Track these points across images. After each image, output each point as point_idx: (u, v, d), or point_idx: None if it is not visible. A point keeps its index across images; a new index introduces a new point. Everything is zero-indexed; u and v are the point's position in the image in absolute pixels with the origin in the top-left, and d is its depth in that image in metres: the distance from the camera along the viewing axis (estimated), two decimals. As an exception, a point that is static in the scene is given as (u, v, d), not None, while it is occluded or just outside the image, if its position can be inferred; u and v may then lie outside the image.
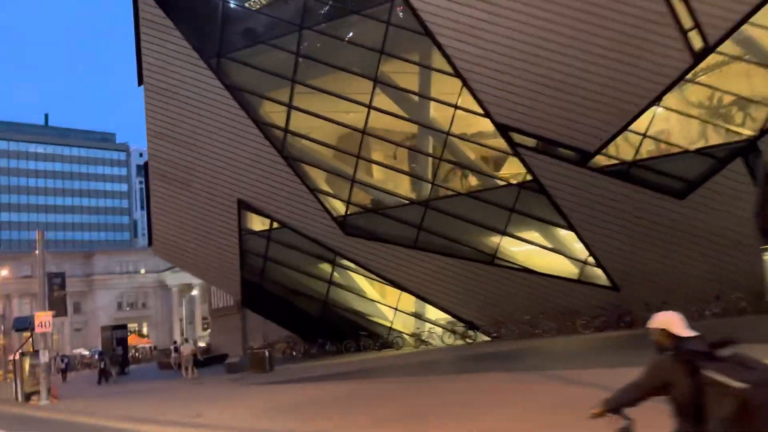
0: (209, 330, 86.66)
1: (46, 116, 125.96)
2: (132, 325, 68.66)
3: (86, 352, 56.11)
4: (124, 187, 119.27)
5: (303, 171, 23.72)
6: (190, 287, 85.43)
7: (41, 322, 18.94)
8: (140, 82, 23.75)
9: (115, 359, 27.37)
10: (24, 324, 22.51)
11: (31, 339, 21.68)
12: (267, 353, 21.03)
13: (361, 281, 25.51)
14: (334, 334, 26.23)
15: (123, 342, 29.26)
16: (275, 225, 25.05)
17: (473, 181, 22.22)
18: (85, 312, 74.72)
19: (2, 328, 36.31)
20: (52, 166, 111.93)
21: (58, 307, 20.66)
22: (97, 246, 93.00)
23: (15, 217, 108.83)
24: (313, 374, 18.27)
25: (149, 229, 26.68)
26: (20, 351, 19.98)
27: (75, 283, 80.00)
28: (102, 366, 26.87)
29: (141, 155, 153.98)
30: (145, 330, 77.42)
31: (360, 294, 25.62)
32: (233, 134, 23.81)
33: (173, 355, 29.39)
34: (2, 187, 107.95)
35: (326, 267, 25.71)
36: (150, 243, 26.96)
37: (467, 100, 20.32)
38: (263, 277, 26.43)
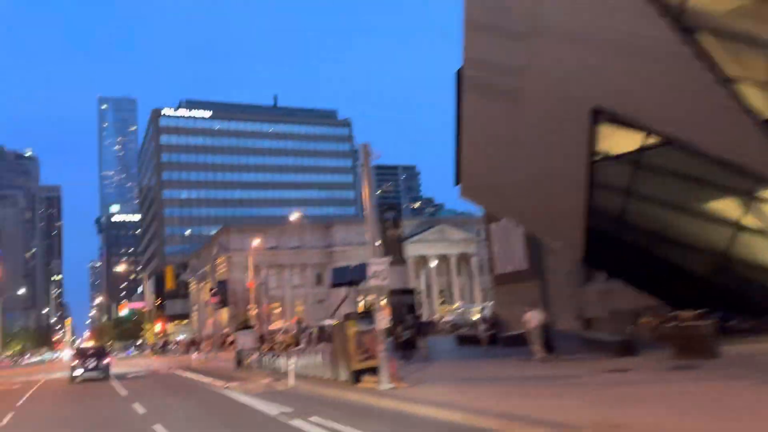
0: (445, 302, 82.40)
1: (275, 97, 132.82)
2: (370, 297, 66.51)
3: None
4: (348, 162, 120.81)
5: (709, 51, 15.28)
6: (425, 259, 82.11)
7: (376, 272, 13.49)
8: (460, -51, 17.26)
9: (422, 330, 21.85)
10: (345, 276, 17.72)
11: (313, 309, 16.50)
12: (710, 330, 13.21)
13: (797, 224, 16.51)
14: (736, 305, 17.72)
15: (413, 309, 24.05)
16: (650, 141, 17.13)
17: None
18: (326, 283, 74.66)
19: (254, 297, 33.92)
20: (283, 144, 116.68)
21: (393, 251, 15.16)
22: (325, 221, 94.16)
23: (250, 194, 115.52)
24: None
25: (457, 163, 20.41)
26: (346, 314, 14.93)
27: (316, 255, 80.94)
28: (404, 338, 21.45)
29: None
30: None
31: (791, 244, 16.68)
32: (595, 7, 16.23)
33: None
34: (238, 166, 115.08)
35: (733, 204, 17.16)
36: (458, 181, 20.73)
37: None
38: (620, 223, 18.77)
